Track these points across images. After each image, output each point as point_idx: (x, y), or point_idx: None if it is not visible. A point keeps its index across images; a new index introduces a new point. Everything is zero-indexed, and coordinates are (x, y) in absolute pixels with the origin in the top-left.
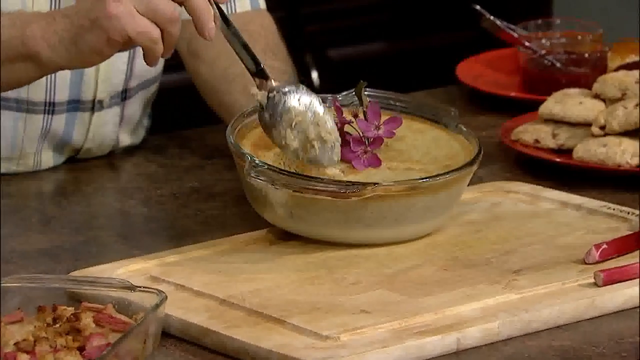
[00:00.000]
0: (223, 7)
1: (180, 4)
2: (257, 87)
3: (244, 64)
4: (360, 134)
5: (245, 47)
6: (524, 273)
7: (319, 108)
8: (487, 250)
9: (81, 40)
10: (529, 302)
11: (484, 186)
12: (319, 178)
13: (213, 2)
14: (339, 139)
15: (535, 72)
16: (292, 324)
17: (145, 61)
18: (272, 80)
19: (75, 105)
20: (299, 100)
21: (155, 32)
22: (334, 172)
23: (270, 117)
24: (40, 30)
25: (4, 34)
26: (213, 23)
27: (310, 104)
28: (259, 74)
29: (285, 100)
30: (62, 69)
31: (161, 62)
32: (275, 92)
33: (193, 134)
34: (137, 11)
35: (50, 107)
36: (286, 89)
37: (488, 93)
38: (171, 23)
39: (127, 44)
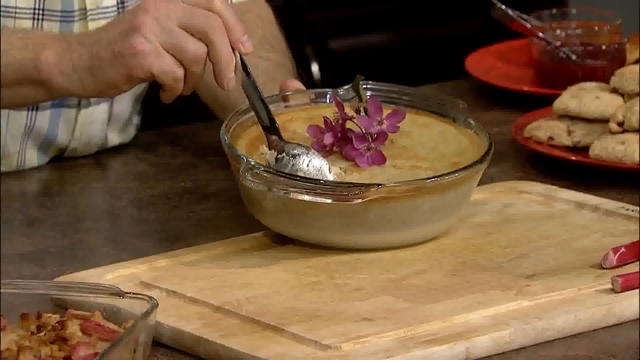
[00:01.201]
0: None
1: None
2: (268, 145)
3: (258, 117)
4: (363, 130)
5: (263, 101)
6: (537, 278)
7: (329, 175)
8: (498, 254)
9: (99, 73)
10: (543, 309)
11: (495, 186)
12: (319, 180)
13: (237, 51)
14: None
15: (550, 64)
16: (290, 333)
17: (162, 98)
18: (284, 141)
19: (60, 101)
20: (308, 164)
21: (180, 72)
22: (335, 170)
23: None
24: (55, 56)
25: (16, 55)
26: (233, 73)
27: (320, 169)
28: (272, 130)
29: (293, 164)
30: (73, 95)
31: None
32: (284, 155)
33: (185, 130)
34: (163, 48)
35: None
36: (296, 152)
37: (499, 87)
38: (196, 63)
39: (147, 80)
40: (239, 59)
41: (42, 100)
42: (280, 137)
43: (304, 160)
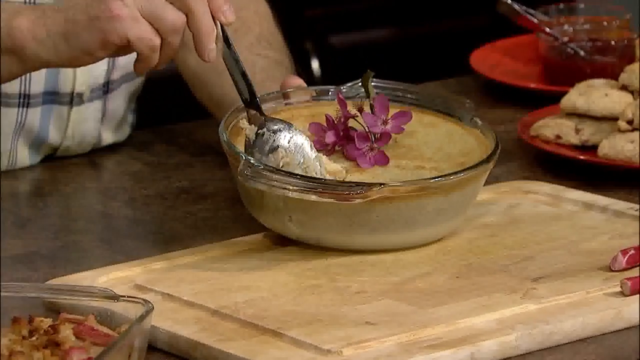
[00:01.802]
0: None
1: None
2: (248, 120)
3: (238, 92)
4: (366, 129)
5: (244, 75)
6: (544, 281)
7: (310, 152)
8: (503, 257)
9: (74, 38)
10: (550, 313)
11: (500, 186)
12: (320, 179)
13: (218, 22)
14: None
15: (557, 61)
16: (290, 337)
17: (136, 68)
18: (265, 116)
19: (51, 97)
20: (289, 140)
21: (157, 40)
22: (335, 168)
23: (257, 154)
24: (29, 22)
25: None
26: (214, 44)
27: (300, 147)
28: (253, 105)
29: (274, 139)
30: (47, 66)
31: None
32: (265, 130)
33: (181, 129)
34: (141, 14)
35: (24, 100)
36: (276, 127)
37: (505, 84)
38: (174, 33)
39: (123, 48)
40: (219, 29)
41: (15, 73)
42: (261, 112)
43: (285, 136)
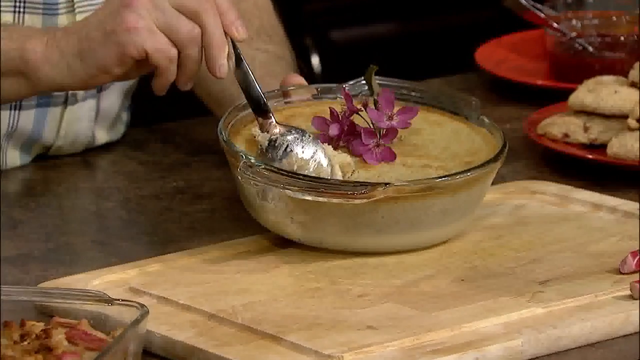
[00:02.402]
0: None
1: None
2: (260, 127)
3: (248, 99)
4: (371, 125)
5: (255, 82)
6: (551, 284)
7: (323, 160)
8: (509, 259)
9: (90, 56)
10: (557, 317)
11: (506, 186)
12: (323, 178)
13: (229, 38)
14: None
15: (565, 57)
16: (289, 342)
17: (155, 86)
18: (278, 124)
19: (46, 100)
20: (302, 148)
21: (174, 52)
22: (345, 159)
23: (269, 162)
24: (42, 45)
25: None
26: (226, 59)
27: (314, 154)
28: (264, 113)
29: (287, 145)
30: (60, 89)
31: None
32: (278, 136)
33: (178, 127)
34: (156, 26)
35: (17, 103)
36: (290, 137)
37: (511, 81)
38: (191, 43)
39: (139, 63)
40: (231, 45)
41: (24, 95)
42: (272, 122)
43: (298, 143)
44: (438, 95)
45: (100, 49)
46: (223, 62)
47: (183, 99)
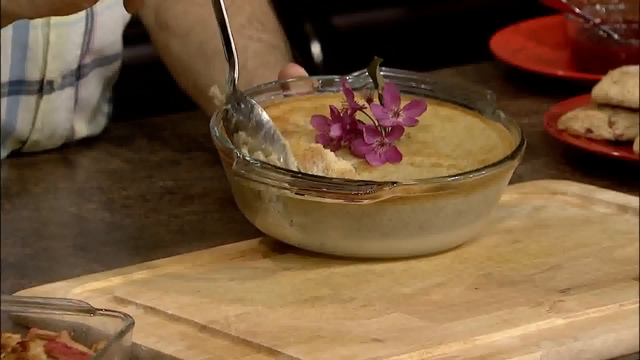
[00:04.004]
0: None
1: None
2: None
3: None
4: (376, 122)
5: (224, 24)
6: (572, 293)
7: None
8: (527, 265)
9: None
10: (579, 328)
11: (524, 186)
12: (325, 177)
13: None
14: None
15: (588, 45)
16: (287, 356)
17: (126, 5)
18: (235, 73)
19: (18, 87)
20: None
21: None
22: (345, 166)
23: (241, 121)
24: None
25: None
26: None
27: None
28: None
29: (256, 111)
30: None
31: (120, 37)
32: (239, 95)
33: (165, 122)
34: None
35: None
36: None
37: (529, 71)
38: None
39: None
40: None
41: None
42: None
43: (261, 110)
44: (449, 87)
45: None
46: None
47: (170, 91)
